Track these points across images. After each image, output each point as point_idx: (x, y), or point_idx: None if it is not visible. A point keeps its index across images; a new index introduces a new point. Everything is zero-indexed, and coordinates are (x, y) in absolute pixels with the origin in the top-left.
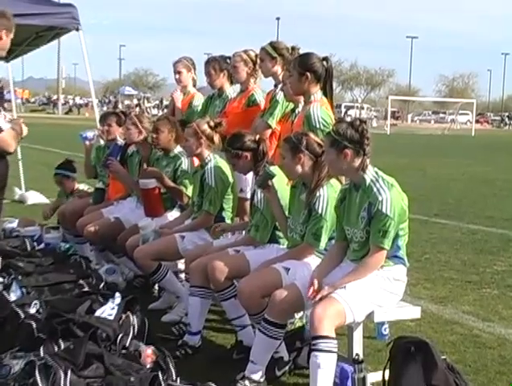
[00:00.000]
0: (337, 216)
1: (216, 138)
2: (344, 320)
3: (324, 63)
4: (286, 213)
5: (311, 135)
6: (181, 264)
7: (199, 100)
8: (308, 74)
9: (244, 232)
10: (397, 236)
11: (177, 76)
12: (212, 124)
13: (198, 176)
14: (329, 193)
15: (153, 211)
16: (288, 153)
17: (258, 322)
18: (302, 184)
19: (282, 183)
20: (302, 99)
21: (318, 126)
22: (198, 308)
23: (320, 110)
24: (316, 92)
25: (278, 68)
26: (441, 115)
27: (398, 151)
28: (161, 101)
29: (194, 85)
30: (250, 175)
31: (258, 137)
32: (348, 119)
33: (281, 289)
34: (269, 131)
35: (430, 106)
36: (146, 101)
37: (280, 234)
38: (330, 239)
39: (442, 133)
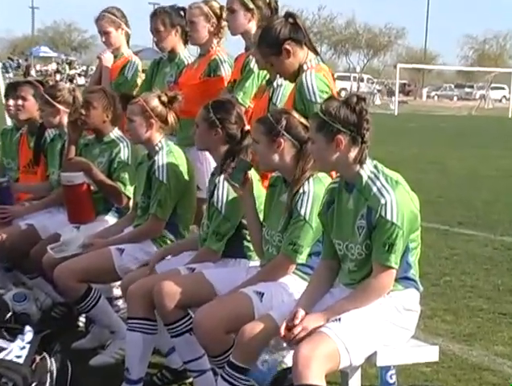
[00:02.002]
0: (323, 226)
1: (171, 118)
2: (338, 364)
3: (291, 20)
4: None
5: (295, 114)
6: (118, 289)
7: (134, 67)
8: (287, 46)
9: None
10: (406, 250)
11: (104, 38)
12: (164, 98)
13: (144, 169)
14: (316, 190)
15: (80, 215)
16: (263, 137)
17: (221, 367)
18: (282, 181)
19: (254, 180)
20: None
21: (315, 100)
22: (139, 347)
23: (316, 79)
24: (310, 59)
25: (252, 25)
26: (467, 89)
27: (409, 138)
28: (89, 67)
29: (128, 42)
30: (208, 167)
31: (246, 128)
32: (343, 94)
33: (252, 323)
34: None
35: (452, 77)
36: (68, 67)
37: (250, 245)
38: (310, 254)
39: (468, 113)
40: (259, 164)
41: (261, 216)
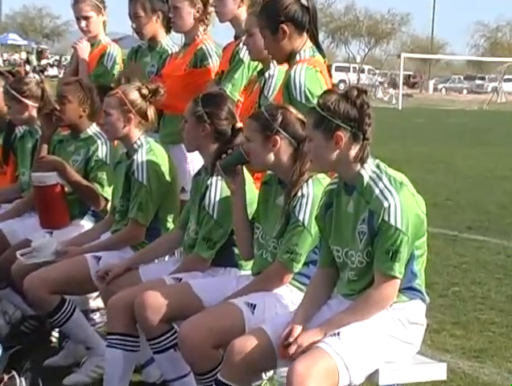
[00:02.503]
0: (320, 231)
1: (151, 113)
2: (337, 382)
3: (304, 2)
4: (254, 222)
5: (292, 109)
6: (94, 301)
7: (114, 56)
8: (284, 26)
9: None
10: (411, 258)
11: (84, 24)
12: (145, 91)
13: (122, 169)
14: (316, 193)
15: (52, 220)
16: (256, 134)
17: (208, 385)
18: (277, 182)
19: (247, 181)
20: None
21: (299, 99)
22: (120, 366)
23: (306, 74)
24: (304, 49)
25: (242, 11)
26: (478, 81)
27: (414, 135)
28: (63, 57)
29: (104, 29)
30: (195, 167)
31: (238, 124)
32: (342, 87)
33: (243, 337)
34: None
35: (462, 68)
36: (36, 56)
37: None
38: (307, 262)
39: (479, 108)
40: (252, 164)
41: (251, 216)
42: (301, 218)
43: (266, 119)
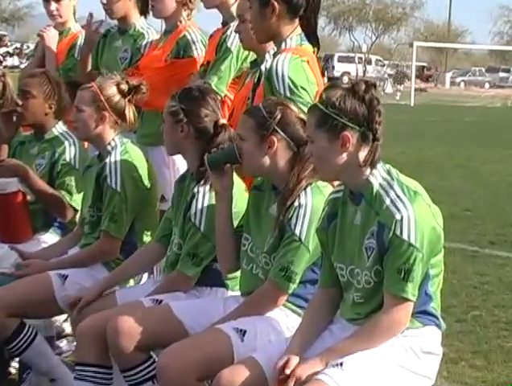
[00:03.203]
0: (322, 245)
1: (130, 112)
2: None
3: None
4: (240, 231)
5: (293, 107)
6: (60, 326)
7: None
8: (275, 3)
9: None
10: (426, 278)
11: (54, 7)
12: (124, 87)
13: (93, 174)
14: (315, 203)
15: (13, 232)
16: (251, 133)
17: None
18: (271, 188)
19: (237, 186)
20: (270, 47)
21: (283, 92)
22: None
23: (289, 64)
24: (291, 36)
25: None
26: (502, 74)
27: (428, 135)
28: (24, 44)
29: (74, 15)
30: (177, 172)
31: (222, 121)
32: (346, 80)
33: (231, 368)
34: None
35: (483, 59)
36: None
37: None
38: (304, 282)
39: (503, 104)
40: (243, 167)
41: (236, 223)
42: (297, 231)
43: (263, 116)
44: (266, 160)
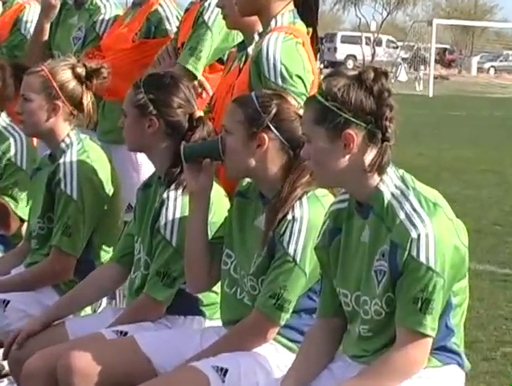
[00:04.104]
0: (322, 267)
1: (88, 101)
2: None
3: None
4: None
5: (291, 100)
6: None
7: (32, 21)
8: None
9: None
10: (447, 308)
11: None
12: (81, 71)
13: (43, 178)
14: (312, 216)
15: None
16: (239, 127)
17: None
18: (258, 196)
19: (216, 190)
20: (257, 27)
21: (274, 79)
22: None
23: (282, 46)
24: (283, 12)
25: None
26: None
27: (450, 133)
28: None
29: None
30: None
31: (198, 113)
32: (350, 65)
33: None
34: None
35: None
36: None
37: (207, 296)
38: (299, 311)
39: None
40: (226, 166)
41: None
42: (291, 250)
43: (254, 109)
44: (252, 161)
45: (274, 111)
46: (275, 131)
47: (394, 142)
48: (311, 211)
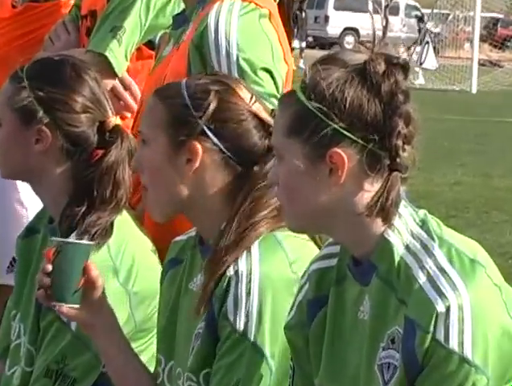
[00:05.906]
0: (295, 355)
1: None
2: None
3: None
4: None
5: (238, 88)
6: None
7: None
8: None
9: None
10: None
11: None
12: None
13: None
14: (266, 269)
15: None
16: (159, 133)
17: None
18: (198, 243)
19: (139, 250)
20: None
21: (226, 68)
22: None
23: (239, 23)
24: None
25: None
26: None
27: (503, 150)
28: None
29: None
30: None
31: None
32: (350, 44)
33: None
34: (110, 81)
35: None
36: None
37: None
38: None
39: None
40: (149, 208)
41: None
42: (239, 325)
43: (183, 105)
44: (184, 189)
45: (212, 106)
46: (213, 138)
47: (409, 172)
48: (265, 261)
